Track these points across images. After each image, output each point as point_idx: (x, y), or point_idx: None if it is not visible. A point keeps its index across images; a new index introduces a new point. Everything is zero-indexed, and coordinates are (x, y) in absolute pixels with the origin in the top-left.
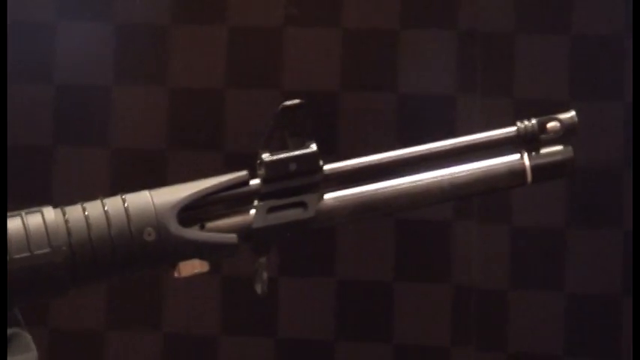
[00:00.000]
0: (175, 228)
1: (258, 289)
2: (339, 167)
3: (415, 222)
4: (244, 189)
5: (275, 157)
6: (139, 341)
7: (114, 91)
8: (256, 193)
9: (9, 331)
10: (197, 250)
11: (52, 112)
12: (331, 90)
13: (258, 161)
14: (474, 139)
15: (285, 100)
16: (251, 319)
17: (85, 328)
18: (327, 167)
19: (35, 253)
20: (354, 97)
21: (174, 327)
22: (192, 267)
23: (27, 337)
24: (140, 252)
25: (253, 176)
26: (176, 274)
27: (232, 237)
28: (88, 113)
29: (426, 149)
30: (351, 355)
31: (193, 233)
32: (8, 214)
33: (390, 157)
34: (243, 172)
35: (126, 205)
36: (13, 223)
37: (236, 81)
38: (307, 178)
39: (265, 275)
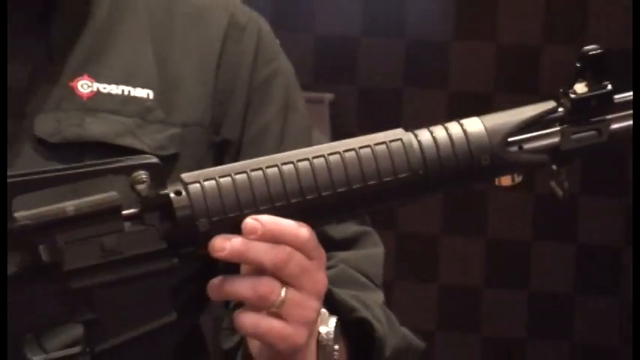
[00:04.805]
0: (504, 153)
1: (559, 193)
2: (626, 97)
3: None
4: (552, 116)
5: (581, 95)
6: (469, 246)
7: (451, 46)
8: (561, 120)
9: (360, 227)
10: (519, 168)
11: (403, 61)
12: None
13: (563, 93)
14: None
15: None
16: None
17: (425, 233)
18: (617, 97)
19: (399, 176)
20: None
21: (494, 233)
22: (510, 179)
23: (375, 235)
24: (476, 172)
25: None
26: (497, 183)
27: (545, 157)
28: (430, 62)
29: None
30: None
31: (517, 155)
32: (373, 140)
33: None
34: (553, 104)
35: (466, 133)
36: (379, 149)
37: (550, 38)
38: (603, 110)
39: (566, 184)
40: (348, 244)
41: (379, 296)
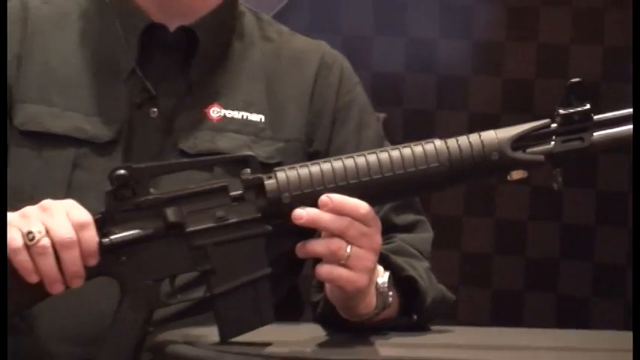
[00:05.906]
0: (510, 152)
1: (555, 186)
2: (603, 117)
3: None
4: (547, 129)
5: (567, 111)
6: (482, 224)
7: (470, 80)
8: (555, 132)
9: (416, 217)
10: (522, 164)
11: (435, 90)
12: None
13: (556, 113)
14: None
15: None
16: None
17: (450, 214)
18: (596, 117)
19: (430, 166)
20: None
21: (500, 214)
22: (518, 174)
23: (427, 224)
24: (489, 166)
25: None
26: (509, 178)
27: (541, 157)
28: (455, 91)
29: None
30: None
31: (520, 155)
32: (413, 143)
33: None
34: (548, 120)
35: (481, 138)
36: (417, 148)
37: (541, 74)
38: (584, 123)
39: (561, 179)
40: (407, 229)
41: (425, 264)
